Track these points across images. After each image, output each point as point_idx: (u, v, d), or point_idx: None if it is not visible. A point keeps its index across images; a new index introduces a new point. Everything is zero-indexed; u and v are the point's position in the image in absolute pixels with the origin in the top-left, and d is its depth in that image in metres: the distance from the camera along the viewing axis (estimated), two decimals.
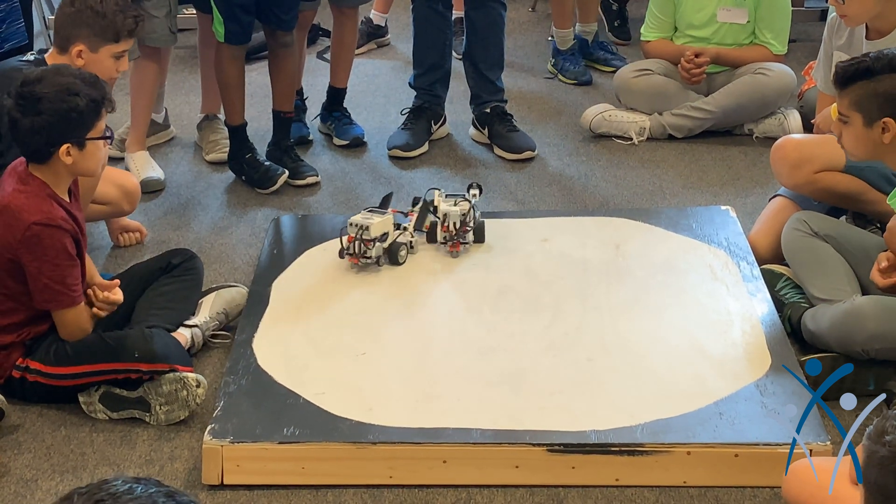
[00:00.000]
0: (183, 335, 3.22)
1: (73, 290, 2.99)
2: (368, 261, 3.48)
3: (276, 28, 4.20)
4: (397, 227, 3.57)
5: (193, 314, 3.31)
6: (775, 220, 3.55)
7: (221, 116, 4.49)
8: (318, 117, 4.77)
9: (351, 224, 3.48)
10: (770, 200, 3.70)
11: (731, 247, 3.57)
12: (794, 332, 3.23)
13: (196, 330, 3.26)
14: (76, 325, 3.03)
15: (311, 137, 4.69)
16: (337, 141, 4.65)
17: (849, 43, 3.74)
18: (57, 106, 2.88)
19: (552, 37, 5.32)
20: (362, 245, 3.46)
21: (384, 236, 3.51)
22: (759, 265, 3.46)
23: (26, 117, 2.89)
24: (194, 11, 4.51)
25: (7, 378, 3.06)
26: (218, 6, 4.08)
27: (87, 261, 3.13)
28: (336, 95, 4.70)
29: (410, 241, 3.59)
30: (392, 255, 3.53)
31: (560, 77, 5.22)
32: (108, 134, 3.01)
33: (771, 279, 3.39)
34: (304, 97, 4.75)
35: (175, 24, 4.31)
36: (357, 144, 4.63)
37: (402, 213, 3.67)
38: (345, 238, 3.48)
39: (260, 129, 4.53)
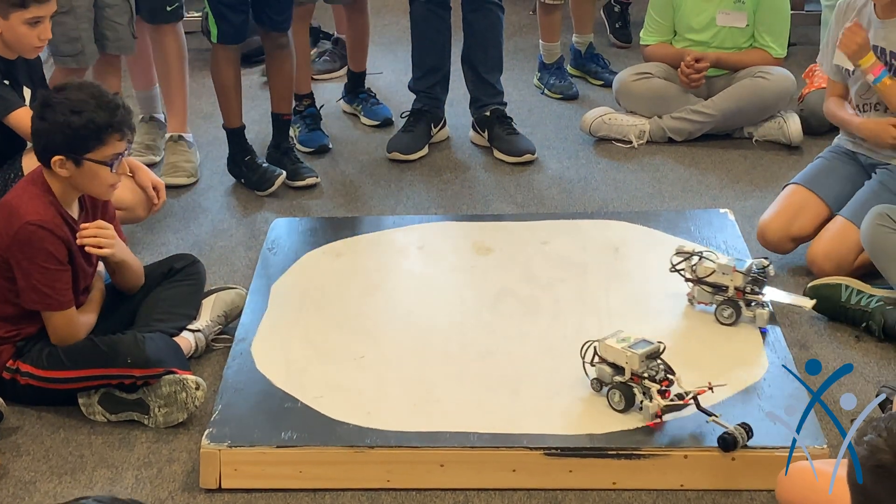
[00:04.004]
0: (186, 340, 3.22)
1: (61, 295, 3.01)
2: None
3: (270, 29, 4.20)
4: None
5: (196, 318, 3.31)
6: (837, 238, 3.51)
7: (188, 136, 4.39)
8: (343, 99, 4.86)
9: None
10: (831, 220, 3.59)
11: (730, 250, 3.56)
12: (890, 338, 3.18)
13: (199, 335, 3.27)
14: (65, 330, 3.05)
15: (331, 146, 4.62)
16: (365, 121, 4.75)
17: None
18: (57, 118, 2.96)
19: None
20: None
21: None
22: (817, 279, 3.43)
23: (37, 119, 3.02)
24: (196, 14, 4.48)
25: None
26: (211, 6, 4.09)
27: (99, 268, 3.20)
28: (356, 79, 4.82)
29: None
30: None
31: (546, 92, 5.11)
32: (110, 162, 3.00)
33: (833, 293, 3.31)
34: (320, 106, 4.70)
35: (135, 29, 4.18)
36: (387, 125, 4.70)
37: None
38: None
39: (261, 133, 4.54)
